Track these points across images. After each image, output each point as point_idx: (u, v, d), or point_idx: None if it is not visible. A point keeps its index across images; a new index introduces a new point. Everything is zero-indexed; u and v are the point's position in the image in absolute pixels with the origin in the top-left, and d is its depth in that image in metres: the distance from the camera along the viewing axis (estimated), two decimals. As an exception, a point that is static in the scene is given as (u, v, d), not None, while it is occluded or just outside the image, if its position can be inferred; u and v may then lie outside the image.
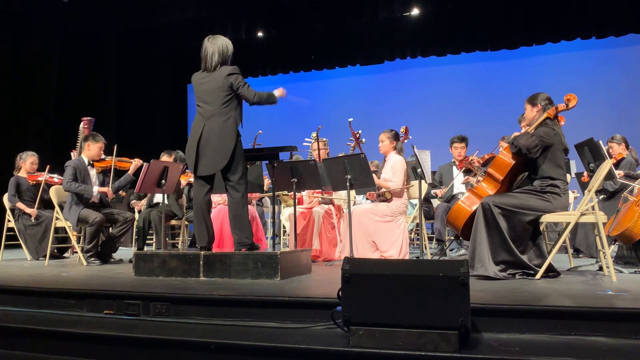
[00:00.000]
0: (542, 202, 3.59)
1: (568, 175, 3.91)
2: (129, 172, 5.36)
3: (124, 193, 6.75)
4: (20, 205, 5.86)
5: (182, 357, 2.50)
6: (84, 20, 9.33)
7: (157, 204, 5.88)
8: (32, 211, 5.83)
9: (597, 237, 3.67)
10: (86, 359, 2.65)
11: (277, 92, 4.07)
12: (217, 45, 3.94)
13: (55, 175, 5.95)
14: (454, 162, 5.89)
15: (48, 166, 6.02)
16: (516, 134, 3.87)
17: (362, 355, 2.22)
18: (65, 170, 5.11)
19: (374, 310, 2.24)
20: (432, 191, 5.88)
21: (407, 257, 4.72)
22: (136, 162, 5.31)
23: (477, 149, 5.60)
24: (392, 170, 4.90)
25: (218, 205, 5.64)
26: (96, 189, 5.15)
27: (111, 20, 9.46)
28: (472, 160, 5.32)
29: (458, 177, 5.82)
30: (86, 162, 5.24)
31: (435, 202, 6.17)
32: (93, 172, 5.26)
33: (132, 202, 6.49)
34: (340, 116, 7.58)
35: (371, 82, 10.55)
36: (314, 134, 5.57)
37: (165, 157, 5.95)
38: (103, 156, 5.37)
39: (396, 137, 5.06)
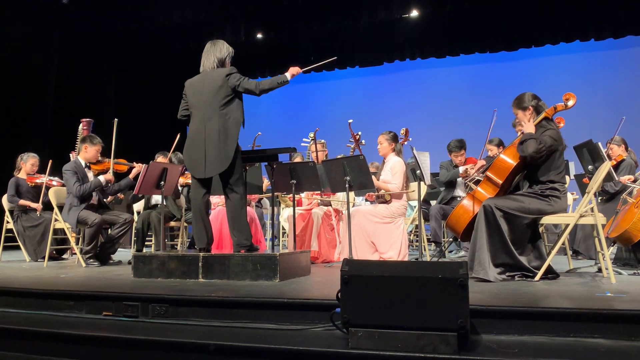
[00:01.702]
0: (543, 205, 3.58)
1: (567, 177, 3.91)
2: (129, 176, 5.36)
3: (122, 195, 6.74)
4: (23, 202, 5.84)
5: (181, 359, 2.49)
6: (82, 21, 9.33)
7: (155, 205, 5.88)
8: (38, 205, 5.83)
9: (596, 239, 3.67)
10: (85, 360, 2.65)
11: (290, 73, 4.01)
12: (215, 47, 4.01)
13: (55, 178, 5.94)
14: (456, 165, 5.88)
15: (50, 161, 6.00)
16: (521, 129, 3.79)
17: (361, 357, 2.22)
18: (65, 175, 5.09)
19: (373, 312, 2.24)
20: (462, 168, 5.71)
21: (406, 259, 4.72)
22: (138, 167, 5.31)
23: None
24: (391, 172, 4.90)
25: (217, 206, 5.64)
26: (102, 177, 5.15)
27: (110, 22, 9.46)
28: (468, 172, 5.32)
29: (458, 180, 5.81)
30: (83, 165, 5.24)
31: (434, 204, 6.17)
32: (90, 175, 5.26)
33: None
34: (340, 118, 7.59)
35: (370, 83, 10.56)
36: (312, 134, 5.58)
37: (160, 158, 5.95)
38: (100, 158, 5.36)
39: (395, 138, 5.06)
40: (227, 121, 3.85)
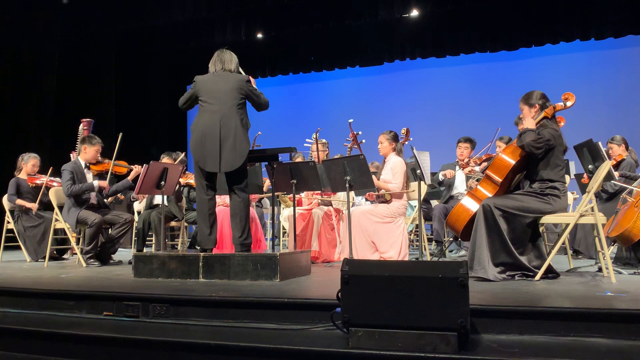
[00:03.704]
0: (542, 204, 3.58)
1: (567, 177, 3.91)
2: (128, 178, 5.35)
3: (123, 196, 6.74)
4: (20, 201, 5.84)
5: (182, 359, 2.50)
6: (83, 21, 9.34)
7: (157, 205, 5.88)
8: (33, 205, 5.82)
9: (597, 238, 3.68)
10: (85, 360, 2.65)
11: None
12: (224, 55, 4.11)
13: (56, 179, 5.94)
14: (458, 162, 5.88)
15: (51, 168, 6.01)
16: (522, 127, 3.83)
17: (361, 356, 2.22)
18: (63, 174, 5.10)
19: (374, 312, 2.24)
20: (441, 173, 5.80)
21: (406, 258, 4.72)
22: (137, 169, 5.31)
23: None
24: (391, 172, 4.90)
25: (218, 206, 5.63)
26: (96, 182, 5.15)
27: (110, 21, 9.46)
28: (467, 161, 5.32)
29: (459, 177, 5.81)
30: (83, 165, 5.24)
31: (434, 203, 6.17)
32: (89, 176, 5.25)
33: (133, 195, 6.47)
34: (340, 117, 7.59)
35: (371, 83, 10.56)
36: (315, 135, 5.58)
37: (166, 159, 5.95)
38: (100, 159, 5.36)
39: (395, 138, 5.05)
40: (242, 121, 3.93)
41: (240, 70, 4.13)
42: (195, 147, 3.96)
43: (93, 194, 5.24)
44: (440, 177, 5.78)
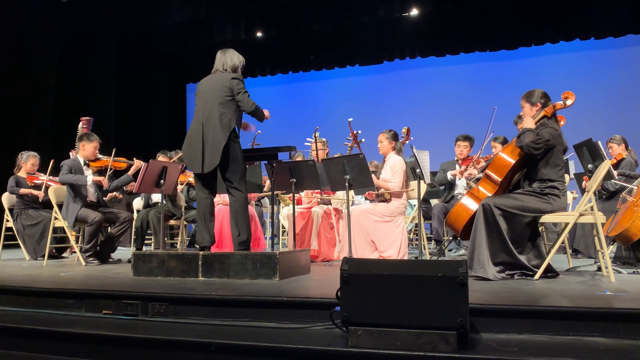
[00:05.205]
0: (542, 204, 3.58)
1: (567, 176, 3.91)
2: (129, 172, 5.35)
3: (121, 195, 6.73)
4: (24, 190, 5.83)
5: (181, 358, 2.49)
6: (82, 20, 9.33)
7: (156, 203, 5.87)
8: (40, 193, 5.82)
9: (596, 238, 3.68)
10: (84, 359, 2.65)
11: (266, 113, 4.16)
12: (228, 53, 4.10)
13: (55, 178, 5.93)
14: (457, 160, 5.88)
15: (52, 160, 5.98)
16: (522, 126, 3.82)
17: (360, 355, 2.22)
18: (62, 169, 5.13)
19: (373, 311, 2.24)
20: (450, 173, 5.75)
21: (405, 257, 4.72)
22: (137, 164, 5.30)
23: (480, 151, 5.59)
24: (391, 171, 4.90)
25: (218, 205, 5.63)
26: (90, 177, 5.13)
27: (110, 21, 9.46)
28: (473, 163, 5.31)
29: (458, 176, 5.81)
30: (81, 162, 5.24)
31: (434, 202, 6.16)
32: (88, 172, 5.25)
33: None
34: (340, 116, 7.58)
35: (370, 82, 10.55)
36: (315, 134, 5.57)
37: (161, 158, 5.95)
38: (99, 156, 5.36)
39: (395, 137, 5.05)
40: (223, 119, 3.87)
41: (235, 68, 4.06)
42: (184, 149, 4.01)
43: (92, 192, 5.23)
44: (450, 177, 5.73)
